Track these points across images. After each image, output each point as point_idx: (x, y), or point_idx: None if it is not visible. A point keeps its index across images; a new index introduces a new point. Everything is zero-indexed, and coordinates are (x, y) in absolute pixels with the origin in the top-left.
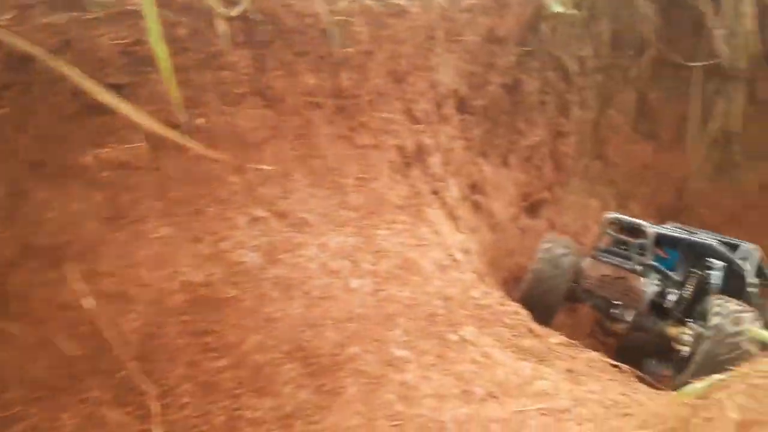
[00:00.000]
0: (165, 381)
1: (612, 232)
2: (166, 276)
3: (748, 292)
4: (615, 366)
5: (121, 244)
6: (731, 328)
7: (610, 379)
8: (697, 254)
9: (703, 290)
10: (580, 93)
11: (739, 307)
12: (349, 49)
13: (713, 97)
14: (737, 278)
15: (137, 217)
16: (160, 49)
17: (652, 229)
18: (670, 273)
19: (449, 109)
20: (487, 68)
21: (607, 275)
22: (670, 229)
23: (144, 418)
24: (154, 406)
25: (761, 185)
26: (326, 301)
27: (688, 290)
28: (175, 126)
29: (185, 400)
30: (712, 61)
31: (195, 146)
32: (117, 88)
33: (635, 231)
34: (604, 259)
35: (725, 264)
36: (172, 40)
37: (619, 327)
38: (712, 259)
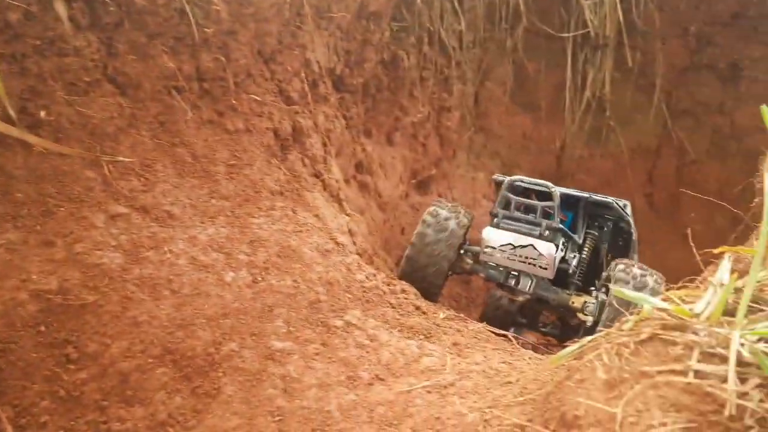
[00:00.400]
0: (20, 400)
1: (513, 196)
2: (15, 285)
3: (634, 248)
4: (501, 335)
5: None
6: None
7: (494, 349)
8: (591, 214)
9: (596, 250)
10: (460, 67)
11: (642, 271)
12: (209, 29)
13: (585, 66)
14: (626, 235)
15: None
16: None
17: (557, 189)
18: (574, 235)
19: (326, 88)
20: (363, 45)
21: (510, 243)
22: (568, 189)
23: None
24: (9, 429)
25: (631, 149)
26: (198, 299)
27: (586, 252)
28: (12, 121)
29: (44, 418)
30: (581, 32)
31: (39, 141)
32: None
33: (538, 193)
34: (508, 226)
35: (613, 221)
36: (3, 26)
37: (518, 298)
38: (604, 218)
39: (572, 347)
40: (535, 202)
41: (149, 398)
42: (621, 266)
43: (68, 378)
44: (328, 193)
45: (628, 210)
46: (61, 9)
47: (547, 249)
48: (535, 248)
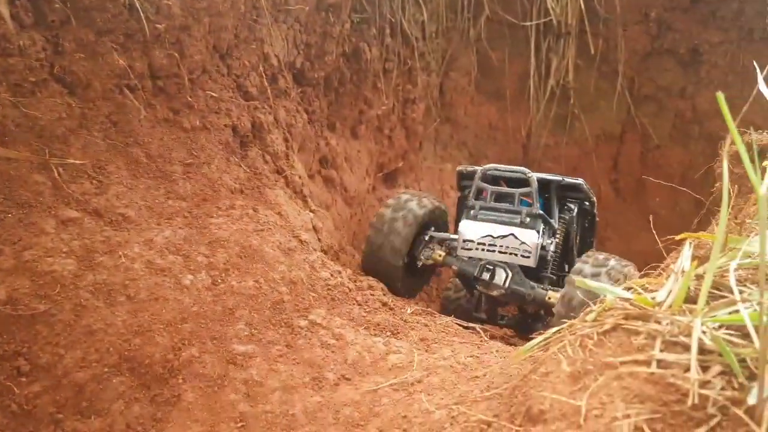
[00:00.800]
0: None
1: (488, 185)
2: None
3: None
4: (469, 328)
5: None
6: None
7: (462, 343)
8: (560, 196)
9: (567, 234)
10: (423, 58)
11: (602, 258)
12: (161, 25)
13: (548, 55)
14: (590, 216)
15: None
16: None
17: (534, 174)
18: (551, 220)
19: (286, 82)
20: (323, 38)
21: (489, 235)
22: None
23: None
24: None
25: (596, 135)
26: (155, 304)
27: (559, 236)
28: None
29: None
30: (544, 20)
31: None
32: None
33: (509, 180)
34: (486, 217)
35: (578, 203)
36: None
37: (493, 293)
38: (571, 200)
39: (537, 339)
40: (512, 189)
41: (106, 408)
42: (584, 257)
43: (20, 391)
44: (291, 190)
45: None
46: (2, 7)
47: (529, 237)
48: (516, 237)
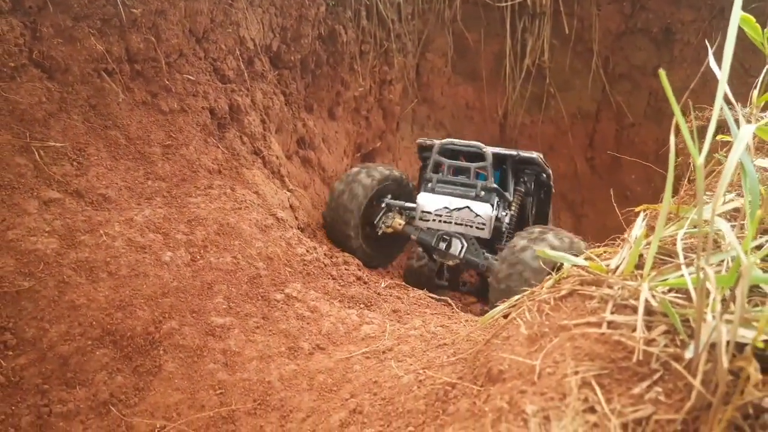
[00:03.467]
0: None
1: (445, 159)
2: None
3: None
4: (441, 300)
5: None
6: (515, 257)
7: (432, 313)
8: (515, 170)
9: (522, 205)
10: (399, 39)
11: (538, 231)
12: (137, 10)
13: (524, 35)
14: (546, 188)
15: None
16: None
17: (488, 149)
18: (506, 193)
19: (262, 65)
20: (299, 21)
21: (445, 207)
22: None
23: None
24: None
25: (572, 114)
26: (136, 279)
27: (514, 208)
28: None
29: None
30: (519, 0)
31: None
32: None
33: (466, 154)
34: (443, 190)
35: (535, 175)
36: None
37: (449, 262)
38: (527, 173)
39: (499, 307)
40: (467, 163)
41: (90, 379)
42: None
43: (7, 364)
44: (269, 170)
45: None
46: None
47: (483, 210)
48: (471, 210)
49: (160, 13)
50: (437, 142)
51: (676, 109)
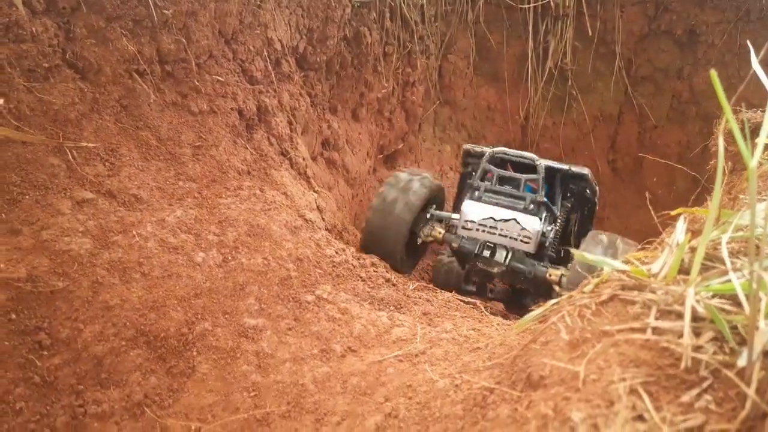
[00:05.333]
0: None
1: (495, 168)
2: None
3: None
4: (469, 303)
5: None
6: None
7: (463, 317)
8: (564, 184)
9: (567, 220)
10: (422, 41)
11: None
12: (168, 11)
13: (546, 37)
14: (590, 204)
15: None
16: None
17: (542, 162)
18: (554, 207)
19: (289, 66)
20: (325, 22)
21: (491, 217)
22: (548, 161)
23: None
24: None
25: (594, 116)
26: (169, 280)
27: (560, 223)
28: None
29: (20, 405)
30: (541, 2)
31: (0, 130)
32: None
33: (514, 164)
34: (490, 200)
35: (579, 191)
36: None
37: (494, 270)
38: (573, 188)
39: (537, 311)
40: (519, 175)
41: (124, 380)
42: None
43: (42, 364)
44: (296, 171)
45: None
46: None
47: (531, 223)
48: (518, 222)
49: (191, 14)
50: (487, 149)
51: (728, 111)
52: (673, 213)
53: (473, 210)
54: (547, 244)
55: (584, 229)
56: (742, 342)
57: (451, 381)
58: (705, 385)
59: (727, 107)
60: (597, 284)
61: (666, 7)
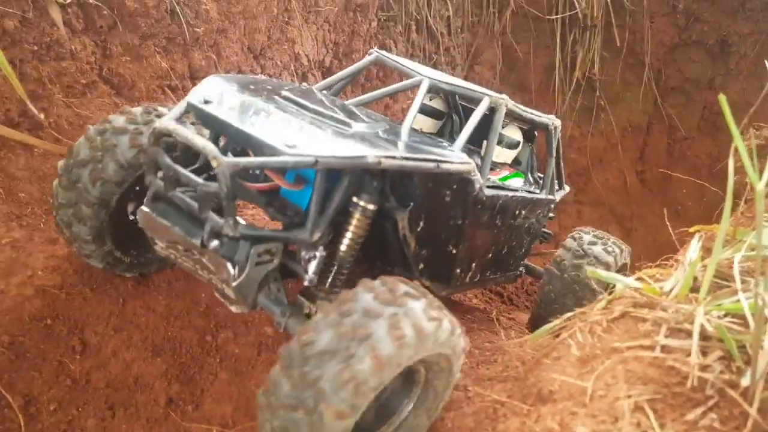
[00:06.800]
0: (29, 390)
1: None
2: (22, 281)
3: None
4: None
5: None
6: None
7: (480, 329)
8: None
9: None
10: (449, 53)
11: None
12: (199, 29)
13: (574, 47)
14: None
15: None
16: None
17: None
18: None
19: (315, 80)
20: (351, 36)
21: None
22: None
23: (10, 430)
24: (20, 417)
25: (622, 127)
26: (193, 291)
27: None
28: (15, 124)
29: (53, 406)
30: (569, 13)
31: (40, 143)
32: None
33: None
34: None
35: None
36: (1, 34)
37: None
38: None
39: (549, 325)
40: None
41: (150, 385)
42: None
43: (74, 368)
44: None
45: None
46: (56, 14)
47: None
48: None
49: (221, 31)
50: None
51: (735, 130)
52: (690, 230)
53: None
54: None
55: None
56: (749, 361)
57: (465, 393)
58: (710, 403)
59: (735, 132)
60: (609, 301)
61: (697, 17)
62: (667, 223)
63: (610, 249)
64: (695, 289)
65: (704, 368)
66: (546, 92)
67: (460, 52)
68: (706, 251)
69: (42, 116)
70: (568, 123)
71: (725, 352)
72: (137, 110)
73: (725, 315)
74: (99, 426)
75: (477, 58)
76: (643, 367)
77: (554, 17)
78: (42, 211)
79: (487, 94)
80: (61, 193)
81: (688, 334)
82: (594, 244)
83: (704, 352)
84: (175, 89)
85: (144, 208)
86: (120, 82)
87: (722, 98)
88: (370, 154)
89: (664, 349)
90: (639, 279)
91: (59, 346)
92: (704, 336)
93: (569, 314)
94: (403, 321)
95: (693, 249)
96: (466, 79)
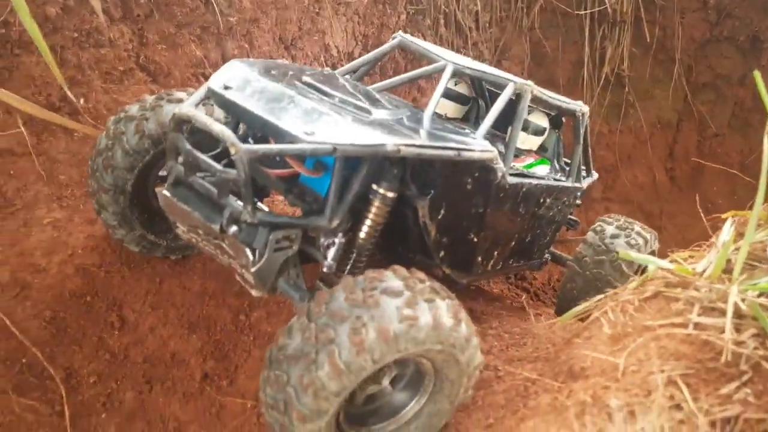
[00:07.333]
0: (70, 363)
1: None
2: (62, 260)
3: None
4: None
5: (11, 232)
6: None
7: (508, 315)
8: None
9: None
10: (477, 47)
11: None
12: (233, 18)
13: (603, 43)
14: None
15: (26, 203)
16: (33, 30)
17: None
18: None
19: None
20: (380, 29)
21: None
22: None
23: (52, 401)
24: (61, 389)
25: (651, 123)
26: (226, 271)
27: None
28: (56, 108)
29: (93, 379)
30: (599, 8)
31: (80, 127)
32: None
33: None
34: None
35: None
36: (42, 20)
37: None
38: None
39: (579, 307)
40: None
41: (186, 361)
42: None
43: (113, 343)
44: None
45: None
46: (95, 2)
47: None
48: None
49: (254, 21)
50: None
51: None
52: (724, 216)
53: None
54: None
55: None
56: None
57: (495, 373)
58: (745, 378)
59: None
60: (641, 281)
61: (728, 13)
62: (699, 209)
63: (633, 242)
64: (727, 271)
65: (738, 344)
66: (574, 88)
67: (488, 47)
68: (739, 236)
69: (81, 101)
70: (596, 119)
71: (759, 330)
72: (150, 98)
73: (760, 295)
74: (137, 399)
75: (505, 54)
76: (675, 343)
77: (583, 12)
78: (81, 193)
79: (512, 80)
80: (89, 181)
81: (722, 313)
82: (617, 237)
83: (738, 330)
84: (208, 77)
85: (165, 192)
86: (156, 69)
87: (757, 75)
88: (390, 141)
89: (697, 326)
90: (672, 261)
91: (98, 322)
92: (737, 315)
93: (599, 296)
94: (368, 325)
95: (726, 231)
96: None
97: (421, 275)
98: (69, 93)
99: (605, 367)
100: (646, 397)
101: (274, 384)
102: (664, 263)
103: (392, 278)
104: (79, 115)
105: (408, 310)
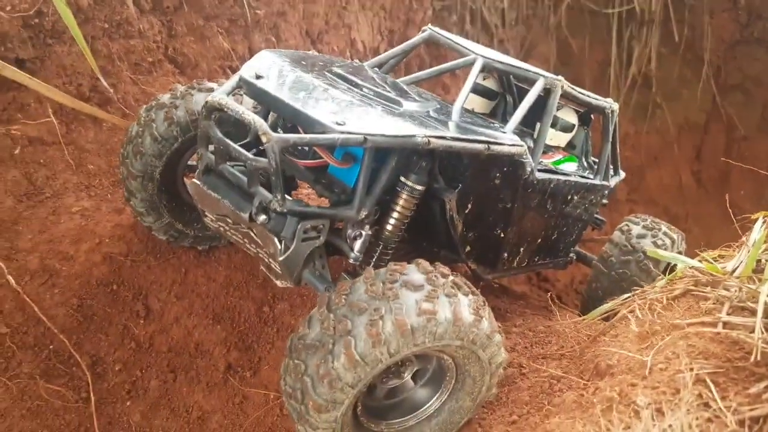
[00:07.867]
0: (96, 351)
1: None
2: (90, 248)
3: None
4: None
5: (40, 220)
6: None
7: (532, 314)
8: None
9: None
10: (502, 45)
11: None
12: (260, 11)
13: (630, 42)
14: None
15: (55, 191)
16: (68, 19)
17: None
18: None
19: None
20: (406, 24)
21: None
22: None
23: (78, 388)
24: (87, 376)
25: (678, 125)
26: (250, 264)
27: None
28: (86, 98)
29: (118, 366)
30: (627, 7)
31: (108, 117)
32: (21, 63)
33: None
34: None
35: None
36: (75, 10)
37: None
38: None
39: (605, 306)
40: None
41: (210, 351)
42: None
43: (138, 332)
44: None
45: None
46: None
47: None
48: None
49: (281, 14)
50: None
51: None
52: (753, 216)
53: None
54: None
55: None
56: None
57: (519, 370)
58: None
59: None
60: (670, 280)
61: (759, 14)
62: (729, 210)
63: (660, 242)
64: (757, 271)
65: None
66: (601, 88)
67: (514, 45)
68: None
69: (112, 91)
70: (623, 120)
71: None
72: (181, 87)
73: None
74: (161, 387)
75: (531, 52)
76: (704, 342)
77: (611, 11)
78: (109, 182)
79: (543, 75)
80: (120, 167)
81: (752, 312)
82: (643, 237)
83: None
84: (235, 70)
85: (195, 180)
86: (184, 61)
87: None
88: (419, 133)
89: (727, 325)
90: (701, 260)
91: (124, 311)
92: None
93: (626, 295)
94: (385, 317)
95: (756, 231)
96: None
97: (445, 270)
98: (104, 82)
99: (632, 365)
100: (674, 395)
101: (293, 372)
102: (694, 262)
103: (414, 271)
104: (109, 106)
105: (427, 304)
